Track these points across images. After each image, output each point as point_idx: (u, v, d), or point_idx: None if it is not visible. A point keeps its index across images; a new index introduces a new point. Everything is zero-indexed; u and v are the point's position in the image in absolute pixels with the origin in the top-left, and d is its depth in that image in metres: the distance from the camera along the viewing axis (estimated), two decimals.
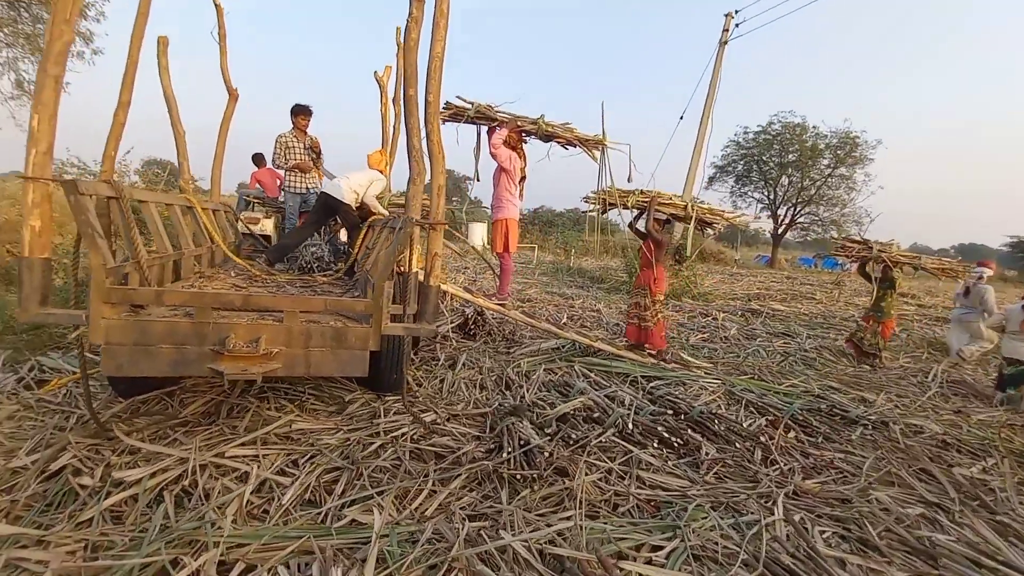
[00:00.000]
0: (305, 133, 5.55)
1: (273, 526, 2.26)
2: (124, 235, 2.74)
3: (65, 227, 6.96)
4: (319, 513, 2.40)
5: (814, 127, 28.81)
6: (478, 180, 5.76)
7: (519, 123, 5.14)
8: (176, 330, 2.44)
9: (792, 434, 3.76)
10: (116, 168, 8.17)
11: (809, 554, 2.30)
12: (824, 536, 2.52)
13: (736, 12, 12.57)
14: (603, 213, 5.69)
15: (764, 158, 30.42)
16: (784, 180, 30.65)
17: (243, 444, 2.86)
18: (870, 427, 3.98)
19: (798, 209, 30.61)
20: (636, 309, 5.48)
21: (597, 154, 5.31)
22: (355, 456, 2.84)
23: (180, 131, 4.42)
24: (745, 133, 30.54)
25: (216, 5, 4.84)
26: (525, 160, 5.36)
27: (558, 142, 5.37)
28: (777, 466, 3.26)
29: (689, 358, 5.50)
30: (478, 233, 25.43)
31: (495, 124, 5.19)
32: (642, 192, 5.33)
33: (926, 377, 5.65)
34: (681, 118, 12.68)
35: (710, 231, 6.02)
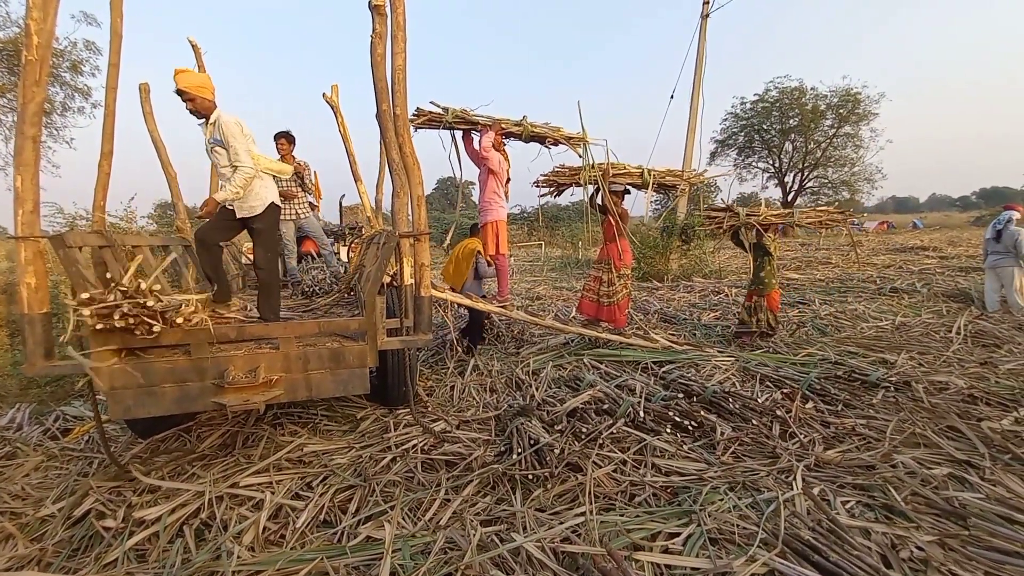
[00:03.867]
0: (291, 158, 5.55)
1: (289, 550, 2.29)
2: (116, 280, 2.80)
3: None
4: (334, 533, 2.43)
5: (812, 88, 28.25)
6: (465, 184, 5.75)
7: (502, 125, 5.12)
8: (176, 369, 2.49)
9: (810, 404, 3.68)
10: (124, 215, 8.38)
11: (830, 526, 2.24)
12: (847, 506, 2.46)
13: None
14: (557, 195, 5.64)
15: (764, 127, 29.91)
16: (788, 146, 30.09)
17: (257, 472, 2.91)
18: (892, 389, 3.87)
19: (806, 174, 30.02)
20: (595, 284, 5.39)
21: (580, 150, 5.28)
22: (367, 473, 2.86)
23: (172, 173, 4.50)
24: (742, 104, 30.08)
25: (193, 45, 4.92)
26: (509, 162, 5.35)
27: (541, 142, 5.35)
28: (796, 439, 3.20)
29: (653, 334, 5.40)
30: None
31: (473, 128, 5.17)
32: (594, 166, 5.26)
33: (949, 331, 5.48)
34: (672, 97, 12.53)
35: (676, 194, 5.87)
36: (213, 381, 2.51)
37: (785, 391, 3.85)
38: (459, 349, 5.37)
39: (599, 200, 5.40)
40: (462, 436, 3.32)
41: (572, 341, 5.42)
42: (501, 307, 4.75)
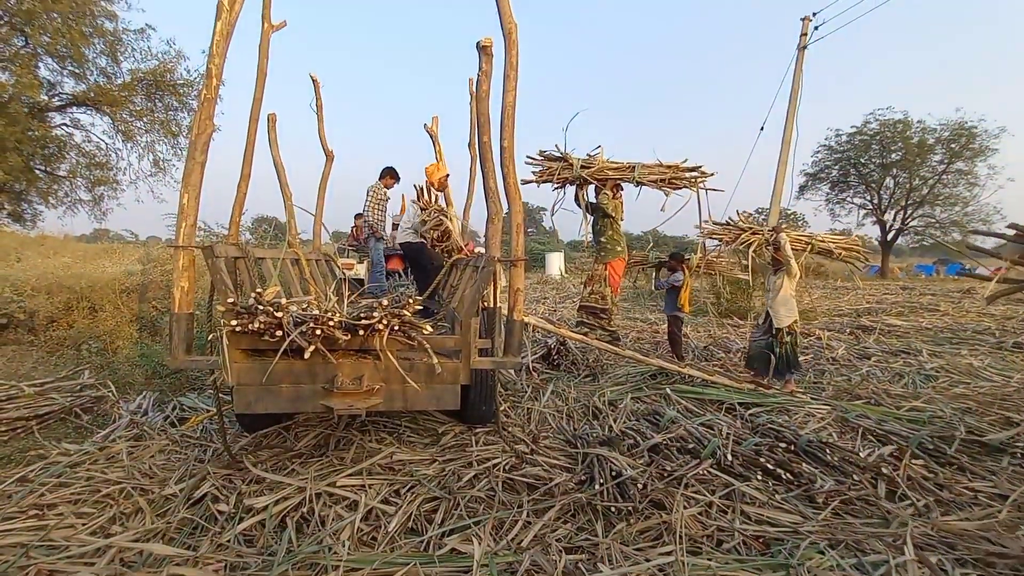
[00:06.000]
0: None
1: (381, 552, 2.41)
2: (249, 288, 3.15)
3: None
4: (421, 541, 2.53)
5: (919, 121, 26.17)
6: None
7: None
8: (293, 370, 2.74)
9: (921, 464, 3.36)
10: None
11: None
12: None
13: (814, 15, 11.96)
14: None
15: (862, 160, 27.99)
16: (888, 182, 27.94)
17: (351, 475, 3.09)
18: (1020, 455, 3.45)
19: (909, 212, 27.65)
20: None
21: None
22: (451, 486, 2.96)
23: (288, 193, 5.00)
24: (837, 136, 28.39)
25: (313, 80, 5.48)
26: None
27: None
28: (908, 500, 2.93)
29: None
30: (555, 263, 25.60)
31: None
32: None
33: None
34: (762, 129, 12.11)
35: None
36: (323, 385, 2.73)
37: (893, 447, 3.54)
38: (535, 374, 5.42)
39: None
40: (542, 460, 3.35)
41: (650, 374, 5.30)
42: (582, 335, 4.78)
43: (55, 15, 13.79)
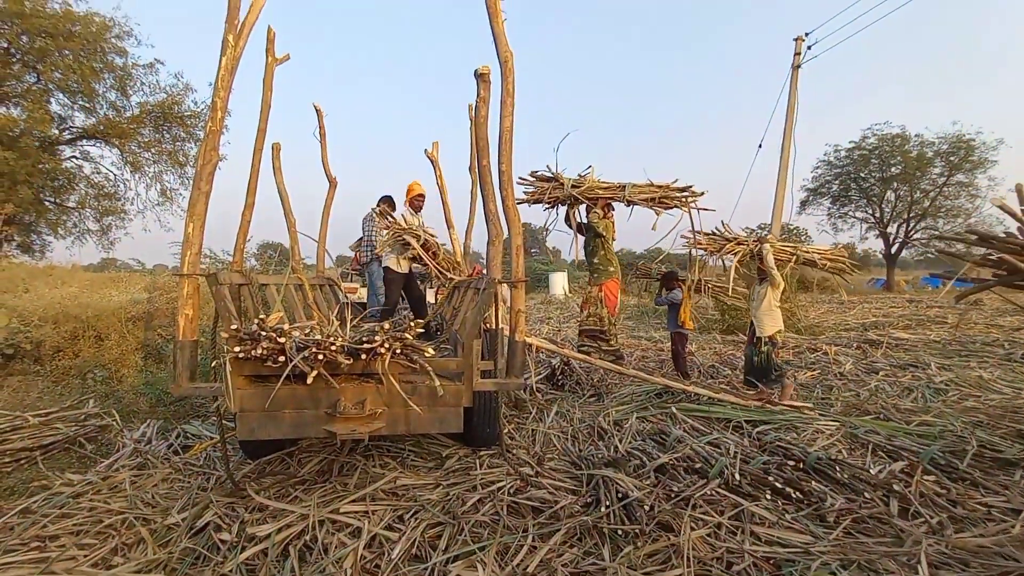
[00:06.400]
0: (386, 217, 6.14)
1: None
2: (253, 315, 3.17)
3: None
4: (425, 568, 2.49)
5: (917, 135, 26.40)
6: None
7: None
8: (296, 396, 2.74)
9: (933, 479, 3.30)
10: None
11: None
12: None
13: (807, 35, 12.21)
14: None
15: (862, 175, 28.14)
16: (890, 195, 28.03)
17: (354, 501, 3.06)
18: None
19: (912, 225, 27.66)
20: None
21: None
22: (456, 511, 2.93)
23: (292, 220, 5.07)
24: (836, 151, 28.62)
25: (316, 109, 5.61)
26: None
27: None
28: (921, 518, 2.87)
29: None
30: (559, 283, 25.63)
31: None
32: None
33: None
34: (760, 146, 12.25)
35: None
36: (326, 410, 2.73)
37: (904, 463, 3.48)
38: (539, 395, 5.39)
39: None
40: (547, 483, 3.31)
41: (656, 393, 5.26)
42: (585, 354, 4.77)
43: (67, 52, 14.22)
